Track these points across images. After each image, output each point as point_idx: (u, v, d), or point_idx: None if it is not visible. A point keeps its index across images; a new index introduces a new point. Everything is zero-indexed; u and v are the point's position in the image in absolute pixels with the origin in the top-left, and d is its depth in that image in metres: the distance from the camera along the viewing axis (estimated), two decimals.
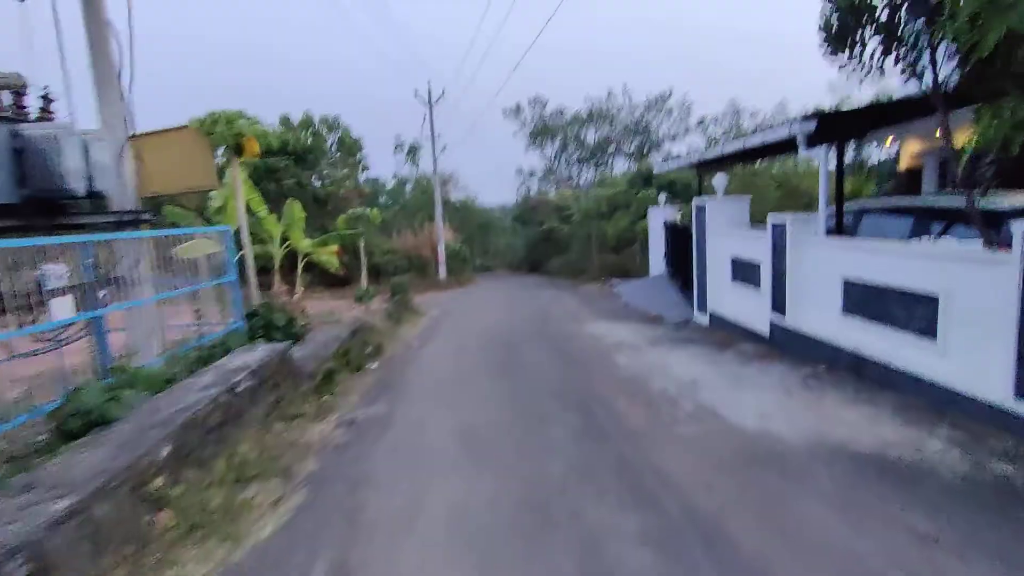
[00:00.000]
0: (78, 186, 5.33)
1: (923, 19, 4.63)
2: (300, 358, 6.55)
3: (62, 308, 4.85)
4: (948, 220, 6.72)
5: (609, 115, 33.61)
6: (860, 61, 5.20)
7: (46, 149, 5.03)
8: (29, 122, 5.54)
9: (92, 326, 5.26)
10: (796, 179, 17.22)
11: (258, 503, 3.82)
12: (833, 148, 6.97)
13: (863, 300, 5.85)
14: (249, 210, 13.38)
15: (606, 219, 20.54)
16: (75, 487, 2.96)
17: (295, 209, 15.37)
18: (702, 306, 10.01)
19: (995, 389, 4.33)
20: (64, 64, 5.77)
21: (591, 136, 34.62)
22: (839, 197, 6.96)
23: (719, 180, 9.49)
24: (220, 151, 10.71)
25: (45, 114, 5.84)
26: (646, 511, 3.54)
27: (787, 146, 7.62)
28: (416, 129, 32.01)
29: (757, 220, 9.13)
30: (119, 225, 5.90)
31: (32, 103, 5.75)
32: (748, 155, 10.41)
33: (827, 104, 20.03)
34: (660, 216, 16.49)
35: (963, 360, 4.65)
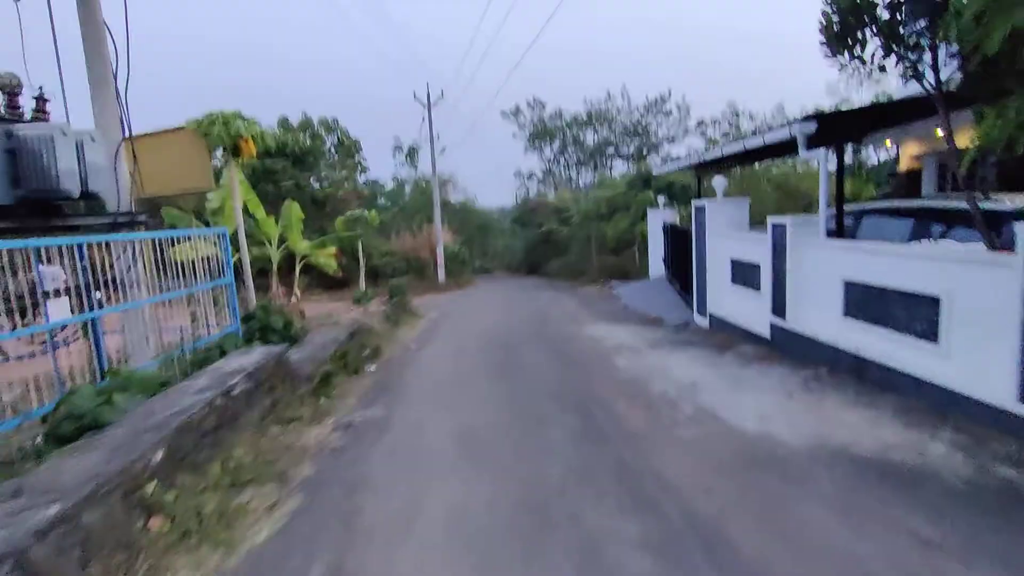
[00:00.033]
0: (73, 187, 5.29)
1: (925, 19, 4.60)
2: (297, 360, 6.50)
3: (58, 310, 4.81)
4: (949, 222, 6.70)
5: (608, 117, 33.65)
6: (861, 62, 5.17)
7: (40, 150, 4.99)
8: (23, 122, 5.50)
9: (88, 328, 5.22)
10: (795, 181, 17.23)
11: (253, 508, 3.77)
12: (833, 149, 6.94)
13: (864, 302, 5.81)
14: (247, 212, 13.35)
15: (605, 221, 20.53)
16: (65, 493, 2.91)
17: (293, 210, 15.33)
18: (702, 308, 9.97)
19: (998, 392, 4.29)
20: (59, 64, 5.73)
21: (590, 138, 34.66)
22: (839, 199, 6.93)
23: (718, 182, 9.45)
24: (218, 152, 10.66)
25: (39, 115, 5.80)
26: (646, 515, 3.49)
27: (787, 147, 7.59)
28: (415, 129, 32.05)
29: (756, 222, 9.11)
30: (114, 227, 5.86)
31: (26, 103, 5.72)
32: (748, 156, 10.38)
33: (826, 106, 20.05)
34: (659, 218, 16.47)
35: (965, 362, 4.61)
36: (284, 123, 23.42)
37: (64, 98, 5.86)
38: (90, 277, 5.05)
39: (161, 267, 6.08)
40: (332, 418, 5.65)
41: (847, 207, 7.63)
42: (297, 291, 16.40)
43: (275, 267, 15.79)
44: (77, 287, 4.93)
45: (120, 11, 5.81)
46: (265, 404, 5.21)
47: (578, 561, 3.07)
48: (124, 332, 5.99)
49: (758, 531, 3.25)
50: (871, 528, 3.22)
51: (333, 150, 25.50)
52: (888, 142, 13.18)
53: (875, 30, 4.98)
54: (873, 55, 5.16)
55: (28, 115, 5.74)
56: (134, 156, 6.20)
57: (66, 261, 4.82)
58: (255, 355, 5.66)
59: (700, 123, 32.59)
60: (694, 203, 10.17)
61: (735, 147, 8.94)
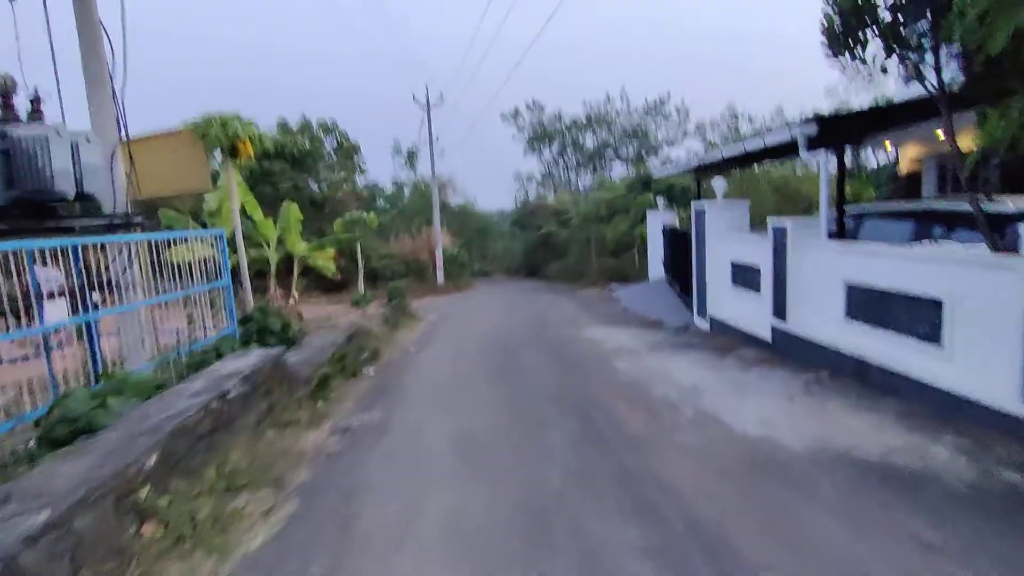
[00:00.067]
0: (67, 188, 5.23)
1: (926, 20, 4.57)
2: (295, 363, 6.44)
3: (55, 312, 4.76)
4: (950, 224, 6.66)
5: (607, 120, 33.68)
6: (862, 63, 5.14)
7: (34, 151, 4.94)
8: (18, 123, 5.44)
9: (84, 331, 5.16)
10: (794, 183, 17.22)
11: (248, 513, 3.71)
12: (833, 151, 6.91)
13: (866, 304, 5.77)
14: (244, 213, 13.31)
15: (605, 223, 20.50)
16: (56, 498, 2.85)
17: (292, 211, 15.28)
18: (702, 311, 9.93)
19: (1002, 395, 4.25)
20: (55, 64, 5.69)
21: (589, 141, 34.68)
22: (840, 201, 6.89)
23: (718, 184, 9.43)
24: (216, 154, 10.63)
25: (34, 115, 5.74)
26: (647, 520, 3.45)
27: (787, 149, 7.56)
28: (415, 130, 32.07)
29: (756, 224, 9.08)
30: (110, 228, 5.81)
31: (21, 103, 5.67)
32: (748, 159, 10.36)
33: (824, 109, 20.04)
34: (659, 220, 16.45)
35: (969, 365, 4.57)
36: (283, 125, 23.39)
37: (60, 99, 5.81)
38: (85, 279, 5.00)
39: (158, 269, 6.02)
40: (329, 422, 5.59)
41: (848, 209, 7.60)
42: (295, 293, 16.36)
43: (273, 269, 15.75)
44: (72, 289, 4.88)
45: (116, 10, 5.78)
46: (261, 408, 5.16)
47: (578, 566, 3.02)
48: (120, 335, 5.94)
49: (760, 536, 3.20)
50: (874, 533, 3.18)
51: (332, 152, 25.47)
52: (888, 145, 13.17)
53: (877, 31, 4.96)
54: (875, 56, 5.13)
55: (23, 116, 5.68)
56: (130, 157, 6.15)
57: (60, 263, 4.78)
58: (252, 358, 5.61)
59: (699, 126, 32.63)
60: (694, 205, 10.14)
61: (735, 149, 8.92)
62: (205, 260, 6.65)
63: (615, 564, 3.03)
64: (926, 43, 4.79)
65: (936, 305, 4.82)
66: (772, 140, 7.24)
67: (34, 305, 4.57)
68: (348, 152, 25.55)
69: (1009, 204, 6.03)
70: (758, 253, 7.77)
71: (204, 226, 12.83)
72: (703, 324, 9.84)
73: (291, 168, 21.12)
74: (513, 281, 26.15)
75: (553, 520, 3.52)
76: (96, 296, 5.21)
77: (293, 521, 3.66)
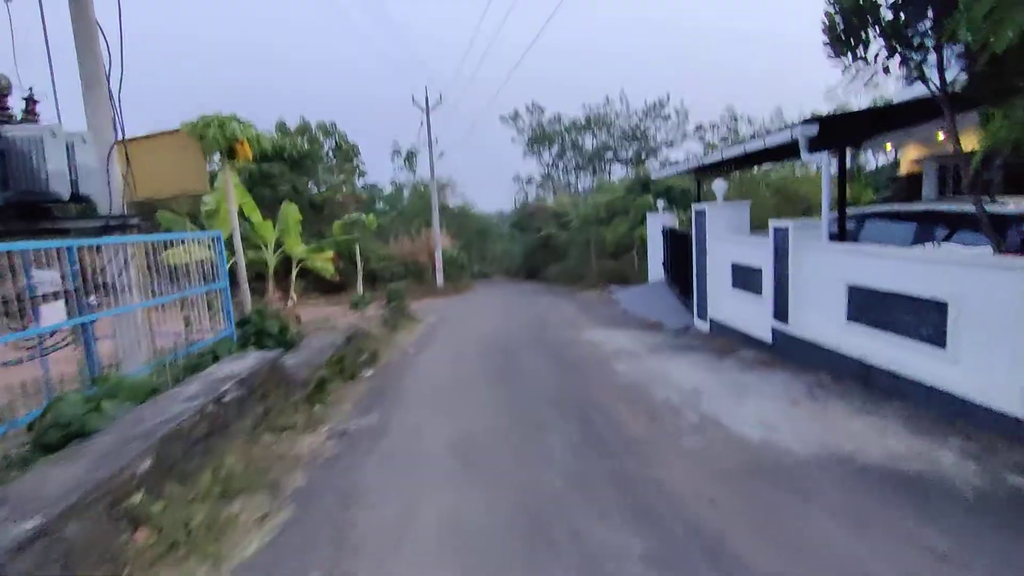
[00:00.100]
0: (62, 189, 5.18)
1: (929, 19, 4.53)
2: (292, 366, 6.38)
3: (52, 314, 4.70)
4: (952, 225, 6.63)
5: (607, 121, 33.67)
6: (864, 62, 5.10)
7: (29, 151, 4.89)
8: (12, 124, 5.40)
9: (80, 333, 5.10)
10: (794, 185, 17.19)
11: (243, 519, 3.66)
12: (834, 152, 6.87)
13: (868, 307, 5.72)
14: (242, 215, 13.25)
15: (604, 225, 20.46)
16: (47, 504, 2.80)
17: (290, 212, 15.21)
18: (702, 313, 9.89)
19: (1009, 398, 4.20)
20: (51, 64, 5.64)
21: (589, 142, 34.67)
22: (841, 202, 6.85)
23: (718, 185, 9.38)
24: (216, 154, 10.58)
25: (29, 116, 5.70)
26: (648, 525, 3.39)
27: (788, 151, 7.52)
28: (414, 131, 31.81)
29: (756, 226, 9.04)
30: (106, 230, 5.75)
31: (16, 104, 5.62)
32: (748, 160, 10.33)
33: (824, 111, 20.02)
34: (659, 222, 16.41)
35: (974, 368, 4.52)
36: (282, 127, 23.36)
37: (56, 99, 5.75)
38: (80, 281, 4.94)
39: (154, 271, 5.96)
40: (327, 425, 5.54)
41: (849, 211, 7.56)
42: (293, 295, 16.29)
43: (271, 271, 15.69)
44: (67, 291, 4.82)
45: (113, 9, 5.71)
46: (258, 411, 5.10)
47: (578, 571, 2.98)
48: (116, 337, 5.88)
49: (764, 542, 3.15)
50: (880, 539, 3.13)
51: (331, 154, 25.42)
52: (888, 146, 13.14)
53: (879, 30, 4.92)
54: (876, 56, 5.09)
55: (18, 116, 5.64)
56: (127, 158, 6.10)
57: (58, 264, 4.72)
58: (249, 360, 5.55)
59: (699, 127, 32.63)
60: (694, 207, 10.09)
61: (735, 150, 8.88)
62: (202, 262, 6.59)
63: (615, 569, 2.98)
64: (929, 42, 4.75)
65: (940, 307, 4.77)
66: (773, 141, 7.20)
67: (28, 308, 4.51)
68: (347, 154, 25.52)
69: (1011, 205, 6.00)
70: (759, 255, 7.72)
71: (202, 228, 12.77)
72: (703, 326, 9.79)
73: (290, 170, 21.06)
74: (513, 283, 26.10)
75: (552, 524, 3.47)
76: (92, 298, 5.15)
77: (288, 527, 3.61)
